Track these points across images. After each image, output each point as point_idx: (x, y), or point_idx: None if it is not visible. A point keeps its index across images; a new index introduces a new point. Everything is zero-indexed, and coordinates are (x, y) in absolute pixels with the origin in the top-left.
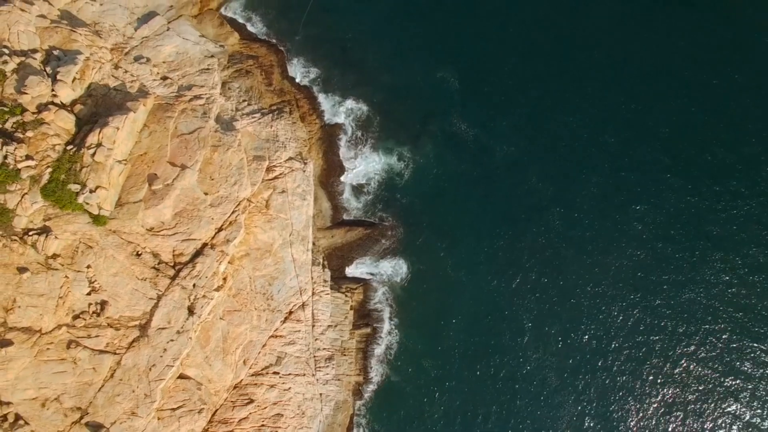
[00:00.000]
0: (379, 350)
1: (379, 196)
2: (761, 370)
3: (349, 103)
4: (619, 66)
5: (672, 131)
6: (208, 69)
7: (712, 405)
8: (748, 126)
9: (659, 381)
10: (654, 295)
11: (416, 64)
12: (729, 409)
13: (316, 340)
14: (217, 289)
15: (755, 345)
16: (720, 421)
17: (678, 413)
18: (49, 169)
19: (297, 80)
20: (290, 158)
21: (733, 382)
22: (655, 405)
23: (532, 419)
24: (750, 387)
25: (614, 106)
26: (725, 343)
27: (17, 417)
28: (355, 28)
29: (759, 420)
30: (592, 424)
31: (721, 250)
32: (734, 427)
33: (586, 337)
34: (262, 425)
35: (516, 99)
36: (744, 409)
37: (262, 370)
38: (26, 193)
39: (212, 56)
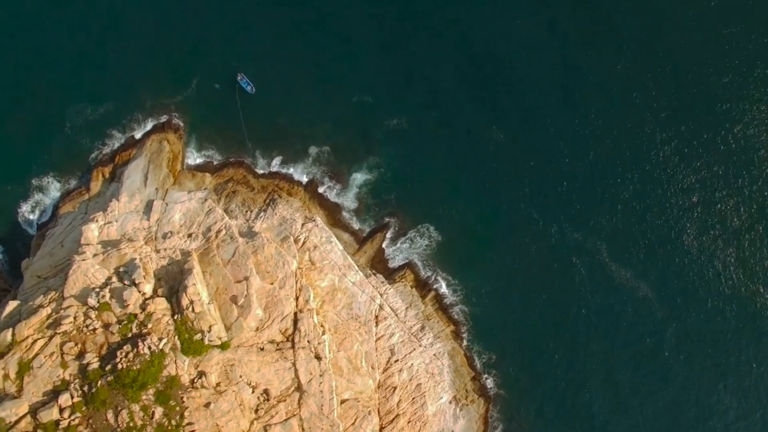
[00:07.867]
0: (449, 300)
1: (375, 205)
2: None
3: (309, 161)
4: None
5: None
6: (210, 210)
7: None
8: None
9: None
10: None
11: (336, 102)
12: None
13: (404, 322)
14: (323, 333)
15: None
16: None
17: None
18: (175, 337)
19: (267, 172)
20: (303, 224)
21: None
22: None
23: (569, 283)
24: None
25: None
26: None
27: None
28: (280, 109)
29: None
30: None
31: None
32: None
33: (579, 204)
34: (413, 399)
35: (418, 83)
36: None
37: (387, 364)
38: (176, 360)
39: (206, 200)
